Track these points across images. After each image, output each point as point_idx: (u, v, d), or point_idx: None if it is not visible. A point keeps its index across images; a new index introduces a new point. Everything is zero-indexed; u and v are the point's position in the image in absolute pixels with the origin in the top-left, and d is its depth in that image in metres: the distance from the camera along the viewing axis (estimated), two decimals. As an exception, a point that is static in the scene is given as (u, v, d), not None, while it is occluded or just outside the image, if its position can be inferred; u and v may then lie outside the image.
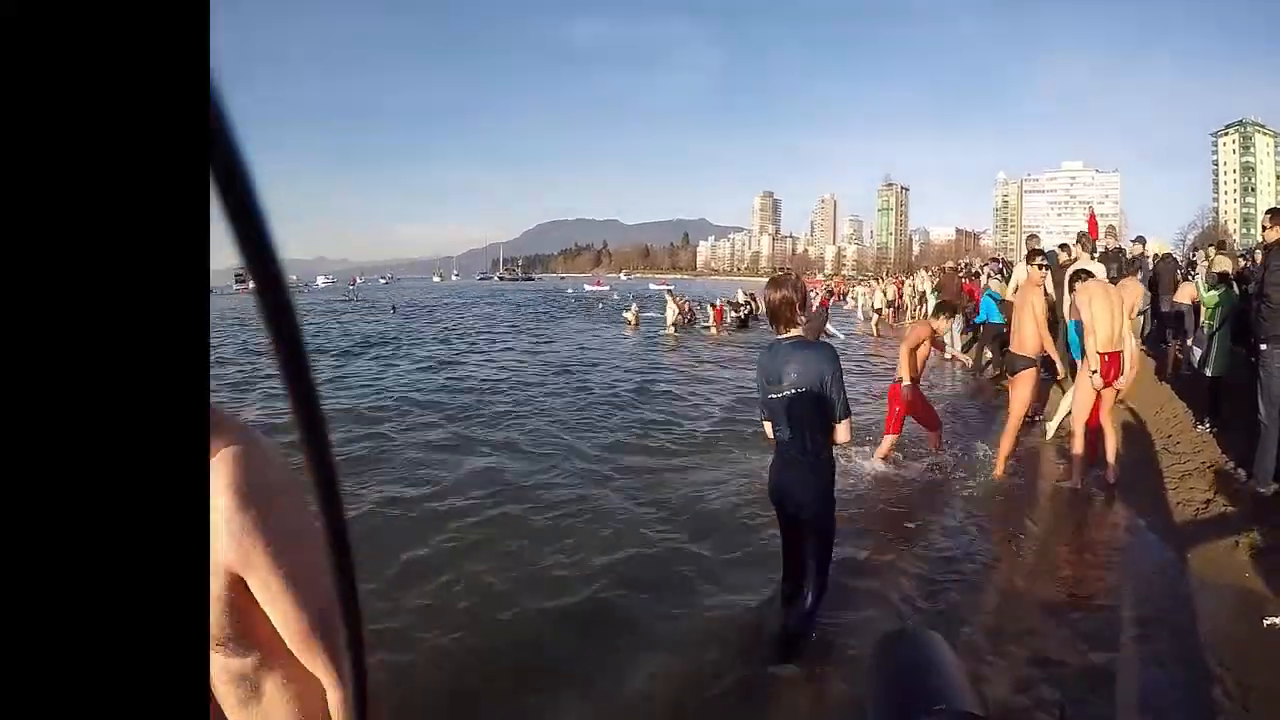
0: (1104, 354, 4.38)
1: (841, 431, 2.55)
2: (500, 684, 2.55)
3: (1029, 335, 4.75)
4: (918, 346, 5.08)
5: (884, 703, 0.43)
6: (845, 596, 3.03)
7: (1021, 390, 4.80)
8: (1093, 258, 8.23)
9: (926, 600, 3.11)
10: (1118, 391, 4.58)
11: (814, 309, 10.30)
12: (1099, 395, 4.48)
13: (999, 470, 4.80)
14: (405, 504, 4.35)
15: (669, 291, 21.25)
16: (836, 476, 2.65)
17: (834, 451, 2.62)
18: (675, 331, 16.10)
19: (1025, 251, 6.39)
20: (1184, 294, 6.34)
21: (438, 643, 2.77)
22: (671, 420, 6.78)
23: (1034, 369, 4.82)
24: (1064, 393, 6.30)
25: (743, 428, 6.16)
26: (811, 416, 2.49)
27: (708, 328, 16.87)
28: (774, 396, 2.54)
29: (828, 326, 12.15)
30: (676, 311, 16.78)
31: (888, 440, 5.12)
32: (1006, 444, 4.82)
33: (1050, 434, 5.87)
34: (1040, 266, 5.11)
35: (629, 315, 19.06)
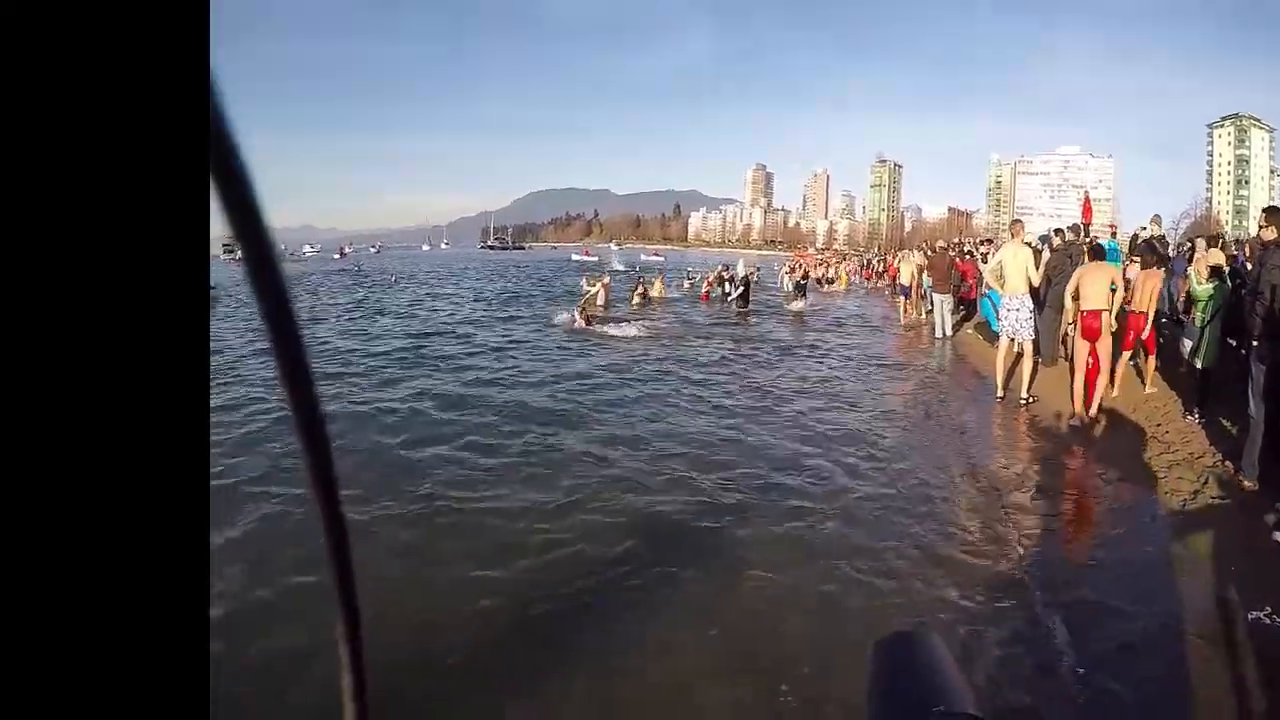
0: (1084, 311, 5.67)
1: None
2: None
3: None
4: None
5: (882, 704, 0.43)
6: (837, 587, 3.07)
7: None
8: (1085, 240, 8.26)
9: (909, 596, 3.14)
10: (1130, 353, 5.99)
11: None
12: (1091, 348, 5.70)
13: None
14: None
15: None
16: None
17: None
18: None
19: (1011, 231, 6.76)
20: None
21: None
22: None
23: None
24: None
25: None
26: None
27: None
28: None
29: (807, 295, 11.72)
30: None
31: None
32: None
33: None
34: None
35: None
